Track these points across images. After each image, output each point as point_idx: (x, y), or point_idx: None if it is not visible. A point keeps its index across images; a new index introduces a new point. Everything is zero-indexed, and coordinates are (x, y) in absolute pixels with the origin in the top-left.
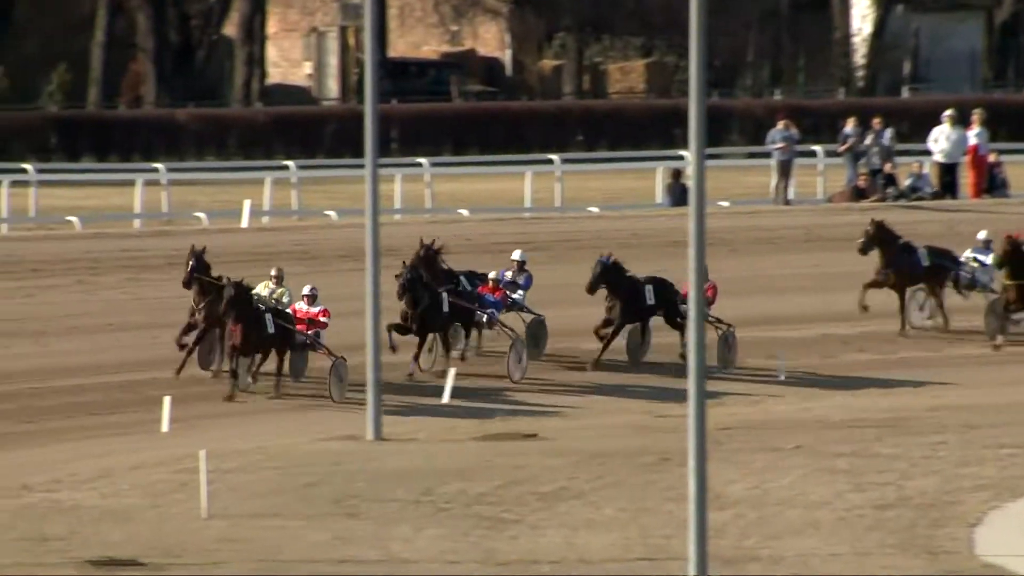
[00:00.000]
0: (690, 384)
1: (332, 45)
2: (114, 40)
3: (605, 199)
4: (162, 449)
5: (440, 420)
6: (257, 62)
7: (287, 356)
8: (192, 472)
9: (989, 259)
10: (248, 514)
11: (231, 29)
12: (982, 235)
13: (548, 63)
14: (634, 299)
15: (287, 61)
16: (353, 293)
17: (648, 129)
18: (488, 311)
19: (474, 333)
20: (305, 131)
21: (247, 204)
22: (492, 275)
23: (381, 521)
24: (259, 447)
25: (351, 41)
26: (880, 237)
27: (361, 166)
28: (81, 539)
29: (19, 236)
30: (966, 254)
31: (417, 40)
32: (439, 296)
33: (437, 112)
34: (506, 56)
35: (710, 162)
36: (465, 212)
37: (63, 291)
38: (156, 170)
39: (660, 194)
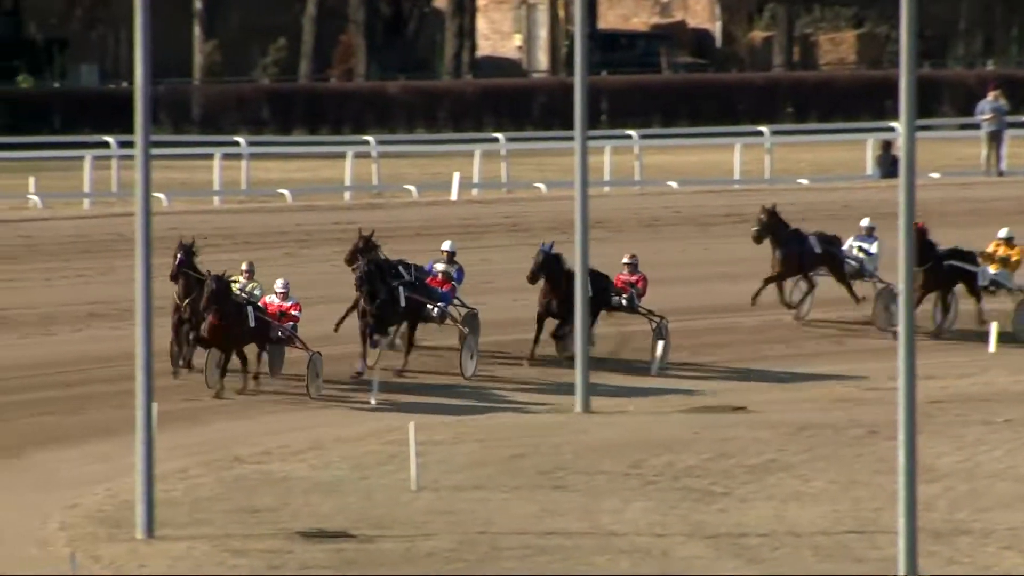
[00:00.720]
0: (900, 357)
1: (542, 17)
2: (325, 13)
3: (814, 171)
4: (371, 422)
5: (648, 393)
6: (467, 34)
7: (265, 350)
8: (400, 444)
9: (874, 247)
10: (456, 486)
11: (441, 1)
12: (865, 222)
13: (758, 34)
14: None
15: (497, 33)
16: None
17: (858, 100)
18: (439, 305)
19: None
20: (515, 103)
21: (456, 176)
22: (440, 267)
23: (589, 493)
24: (466, 420)
25: (561, 13)
26: (772, 225)
27: (570, 138)
28: (291, 511)
29: (231, 209)
30: (849, 242)
31: (627, 12)
32: (396, 290)
33: (646, 84)
34: (716, 27)
35: (921, 133)
36: (674, 184)
37: (274, 263)
38: (366, 142)
39: (870, 166)
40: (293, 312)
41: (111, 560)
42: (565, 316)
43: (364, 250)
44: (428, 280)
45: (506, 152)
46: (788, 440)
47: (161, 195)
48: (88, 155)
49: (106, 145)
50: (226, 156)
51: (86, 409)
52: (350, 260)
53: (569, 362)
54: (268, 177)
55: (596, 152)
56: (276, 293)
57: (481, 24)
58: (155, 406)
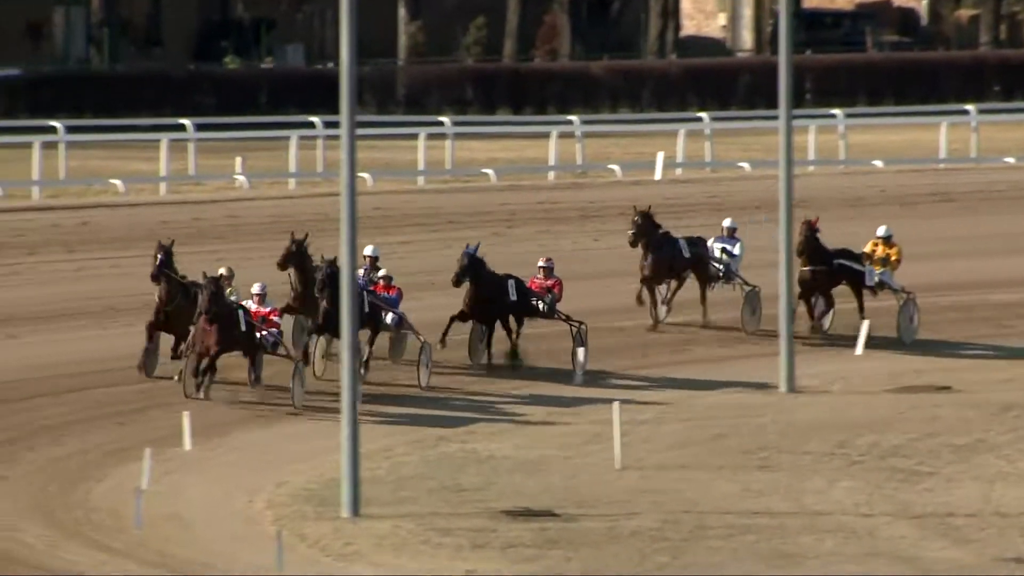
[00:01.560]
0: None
1: None
2: None
3: (1022, 150)
4: (575, 402)
5: (853, 373)
6: (671, 14)
7: (256, 357)
8: (604, 424)
9: (736, 249)
10: (659, 465)
11: None
12: (727, 223)
13: (964, 12)
14: (498, 295)
15: (701, 13)
16: (765, 244)
17: None
18: (396, 312)
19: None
20: (719, 83)
21: (660, 156)
22: (382, 272)
23: (793, 473)
24: (669, 399)
25: None
26: (646, 228)
27: (775, 117)
28: (496, 489)
29: (436, 188)
30: (711, 244)
31: None
32: (360, 295)
33: (851, 63)
34: (922, 6)
35: None
36: (879, 163)
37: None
38: (570, 122)
39: None
40: (274, 318)
41: (317, 538)
42: (488, 321)
43: (297, 254)
44: (374, 286)
45: (710, 131)
46: (994, 420)
47: (366, 175)
48: (294, 135)
49: (311, 125)
50: (430, 136)
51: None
52: (282, 265)
53: (484, 369)
54: (472, 157)
55: (800, 131)
56: (252, 297)
57: (685, 3)
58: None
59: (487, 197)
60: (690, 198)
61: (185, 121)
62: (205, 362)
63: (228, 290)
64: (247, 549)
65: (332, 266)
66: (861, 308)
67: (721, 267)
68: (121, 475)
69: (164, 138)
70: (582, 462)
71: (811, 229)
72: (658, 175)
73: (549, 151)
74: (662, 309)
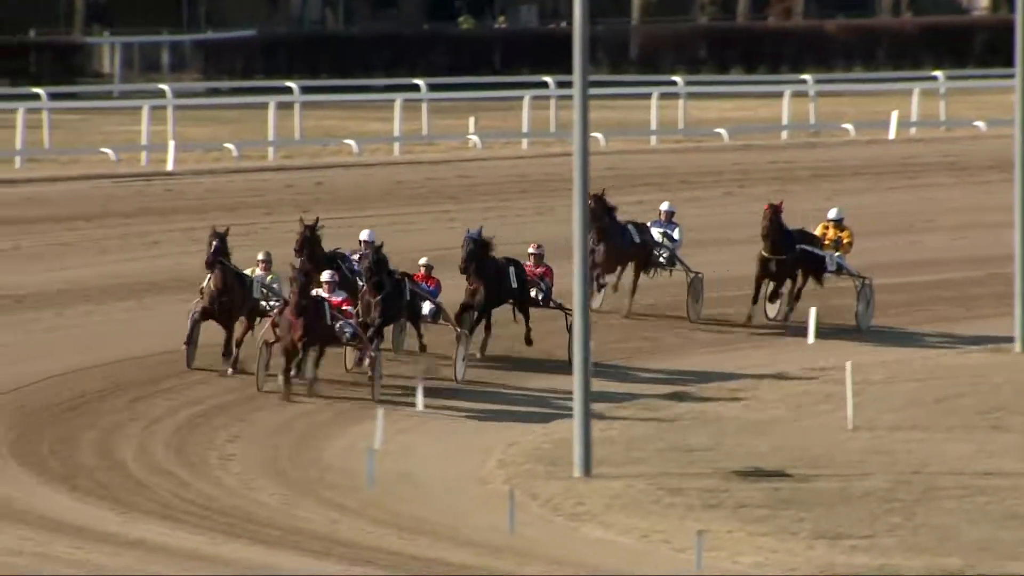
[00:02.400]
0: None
1: None
2: None
3: None
4: (804, 361)
5: None
6: None
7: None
8: (835, 384)
9: (676, 233)
10: (892, 426)
11: None
12: (665, 206)
13: None
14: (498, 282)
15: None
16: (999, 204)
17: None
18: (435, 302)
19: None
20: (954, 41)
21: (894, 115)
22: (424, 261)
23: None
24: (900, 359)
25: None
26: (598, 213)
27: (1011, 76)
28: (725, 449)
29: (668, 148)
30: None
31: None
32: (401, 283)
33: None
34: None
35: None
36: None
37: (710, 203)
38: (804, 82)
39: None
40: (346, 307)
41: (548, 498)
42: (487, 311)
43: (310, 241)
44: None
45: (944, 90)
46: None
47: (598, 135)
48: (527, 95)
49: (544, 85)
50: (663, 96)
51: (523, 349)
52: (298, 251)
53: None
54: (705, 116)
55: None
56: (324, 284)
57: None
58: (591, 345)
59: (719, 157)
60: (924, 157)
61: (419, 81)
62: (290, 357)
63: (271, 276)
64: (479, 509)
65: (378, 252)
66: (797, 296)
67: (664, 253)
68: (354, 435)
69: (398, 98)
70: (812, 423)
71: (776, 212)
72: (892, 134)
73: (782, 110)
74: (598, 297)
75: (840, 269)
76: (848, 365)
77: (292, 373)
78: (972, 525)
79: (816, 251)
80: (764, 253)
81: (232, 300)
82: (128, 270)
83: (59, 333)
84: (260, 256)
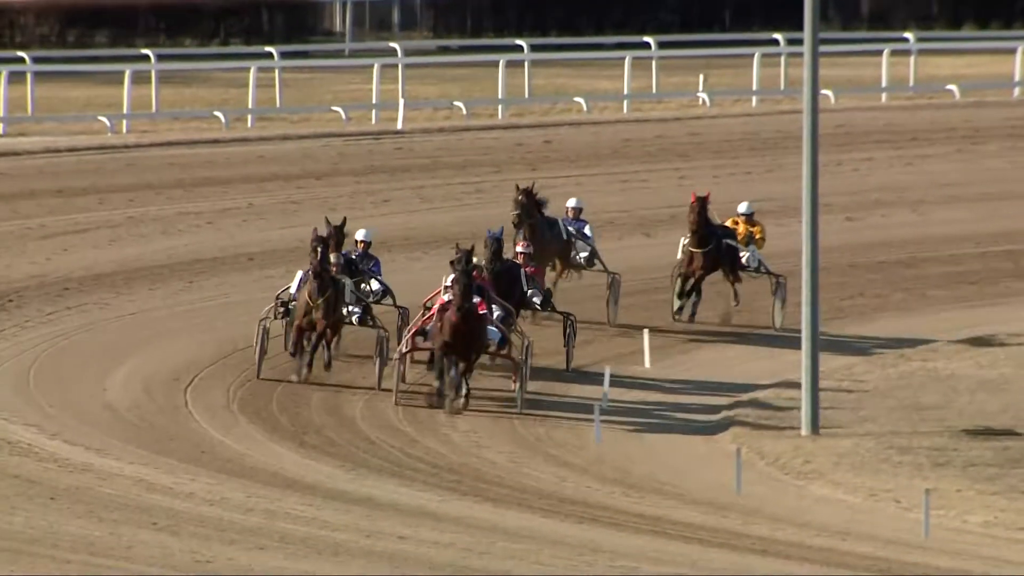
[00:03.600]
0: None
1: None
2: None
3: None
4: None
5: None
6: None
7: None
8: None
9: (587, 230)
10: None
11: None
12: (572, 202)
13: None
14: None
15: None
16: None
17: None
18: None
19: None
20: None
21: None
22: (521, 248)
23: None
24: None
25: None
26: (528, 208)
27: None
28: (956, 408)
29: (898, 105)
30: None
31: None
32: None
33: None
34: None
35: None
36: None
37: (942, 160)
38: None
39: None
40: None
41: (775, 456)
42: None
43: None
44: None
45: None
46: None
47: (828, 92)
48: (756, 52)
49: (775, 43)
50: (894, 53)
51: (753, 306)
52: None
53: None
54: (936, 73)
55: None
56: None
57: None
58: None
59: (950, 114)
60: None
61: (648, 39)
62: (462, 364)
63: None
64: (705, 467)
65: (498, 242)
66: (736, 292)
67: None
68: (580, 393)
69: (627, 56)
70: None
71: (703, 204)
72: None
73: (1015, 66)
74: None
75: (759, 266)
76: None
77: (451, 378)
78: None
79: (738, 246)
80: (690, 247)
81: (338, 314)
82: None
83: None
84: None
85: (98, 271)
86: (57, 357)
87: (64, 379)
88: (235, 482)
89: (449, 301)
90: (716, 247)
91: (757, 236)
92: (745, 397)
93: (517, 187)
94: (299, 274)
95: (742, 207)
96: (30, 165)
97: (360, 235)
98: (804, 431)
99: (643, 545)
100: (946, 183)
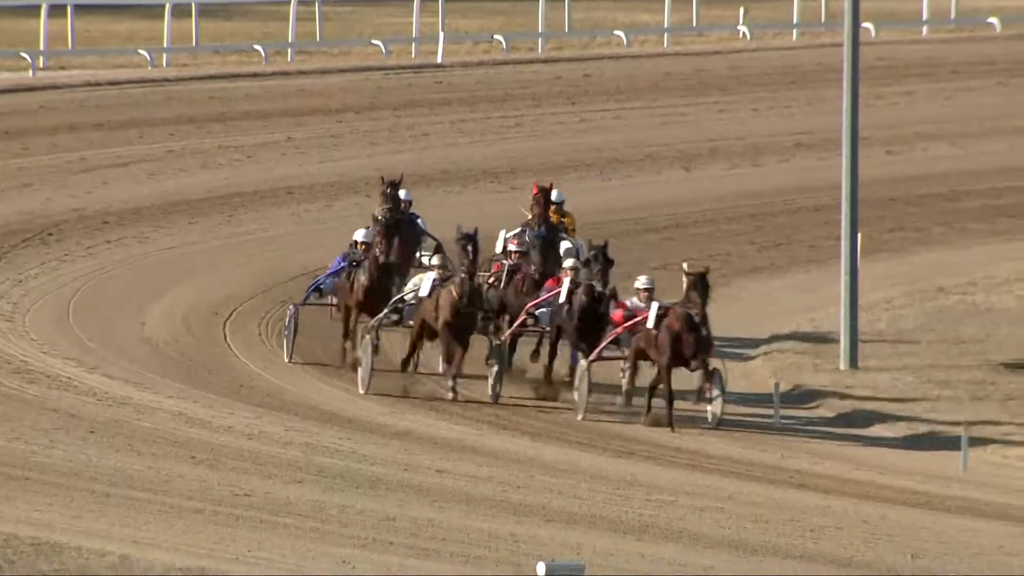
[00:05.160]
0: None
1: None
2: None
3: None
4: None
5: None
6: None
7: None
8: None
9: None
10: None
11: None
12: (402, 193)
13: None
14: None
15: None
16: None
17: None
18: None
19: None
20: None
21: None
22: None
23: None
24: None
25: None
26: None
27: None
28: (995, 341)
29: (939, 38)
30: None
31: None
32: None
33: None
34: None
35: None
36: None
37: (982, 93)
38: None
39: None
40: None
41: (813, 390)
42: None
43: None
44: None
45: None
46: None
47: (869, 25)
48: None
49: None
50: None
51: (792, 239)
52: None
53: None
54: (978, 6)
55: None
56: (639, 292)
57: None
58: (859, 236)
59: (991, 47)
60: None
61: None
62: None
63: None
64: (743, 400)
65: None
66: None
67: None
68: None
69: None
70: None
71: (547, 194)
72: None
73: None
74: None
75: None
76: None
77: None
78: None
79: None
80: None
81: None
82: (397, 161)
83: (329, 224)
84: (435, 260)
85: (137, 204)
86: (97, 291)
87: (103, 313)
88: (273, 416)
89: (666, 309)
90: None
91: (569, 228)
92: (785, 331)
93: (383, 179)
94: (429, 279)
95: (552, 196)
96: (71, 99)
97: (359, 236)
98: (843, 366)
99: (681, 479)
100: (986, 116)
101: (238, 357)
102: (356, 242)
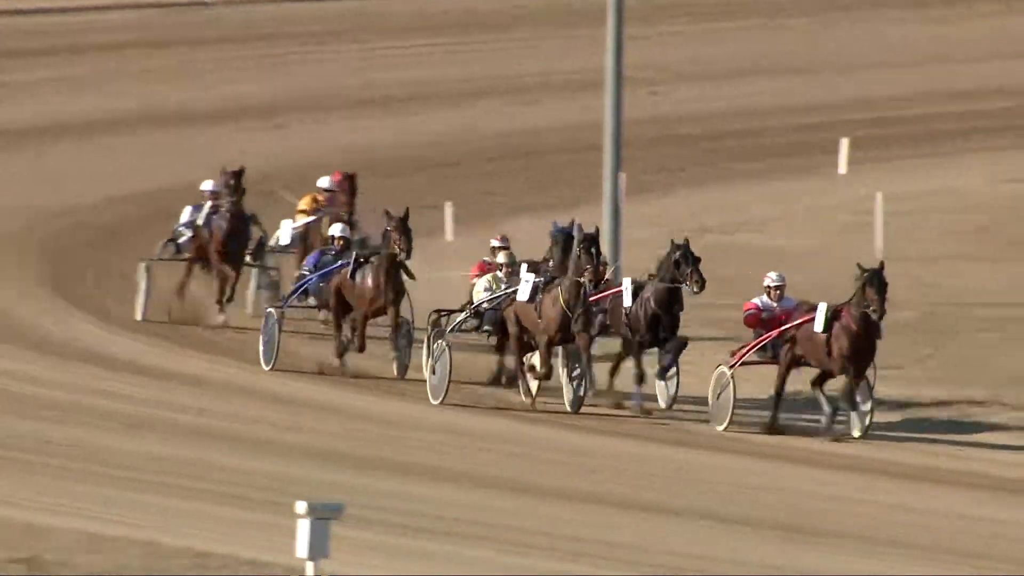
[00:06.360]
0: None
1: None
2: None
3: None
4: (842, 191)
5: None
6: None
7: None
8: (870, 215)
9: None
10: (922, 256)
11: None
12: (207, 185)
13: None
14: None
15: None
16: None
17: None
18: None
19: None
20: None
21: None
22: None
23: None
24: (934, 190)
25: None
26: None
27: None
28: (755, 279)
29: None
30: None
31: None
32: None
33: None
34: None
35: None
36: None
37: (748, 34)
38: None
39: None
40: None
41: None
42: None
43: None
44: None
45: None
46: None
47: None
48: None
49: None
50: None
51: (560, 179)
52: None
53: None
54: None
55: None
56: (769, 289)
57: None
58: (623, 176)
59: None
60: None
61: None
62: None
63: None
64: None
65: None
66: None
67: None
68: None
69: None
70: (843, 253)
71: (352, 183)
72: None
73: None
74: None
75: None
76: (878, 196)
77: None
78: (1002, 356)
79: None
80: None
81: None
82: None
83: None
84: (501, 259)
85: None
86: None
87: None
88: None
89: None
90: None
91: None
92: None
93: (224, 168)
94: (528, 281)
95: (323, 182)
96: None
97: (336, 230)
98: None
99: (452, 419)
100: (749, 57)
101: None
102: (333, 237)
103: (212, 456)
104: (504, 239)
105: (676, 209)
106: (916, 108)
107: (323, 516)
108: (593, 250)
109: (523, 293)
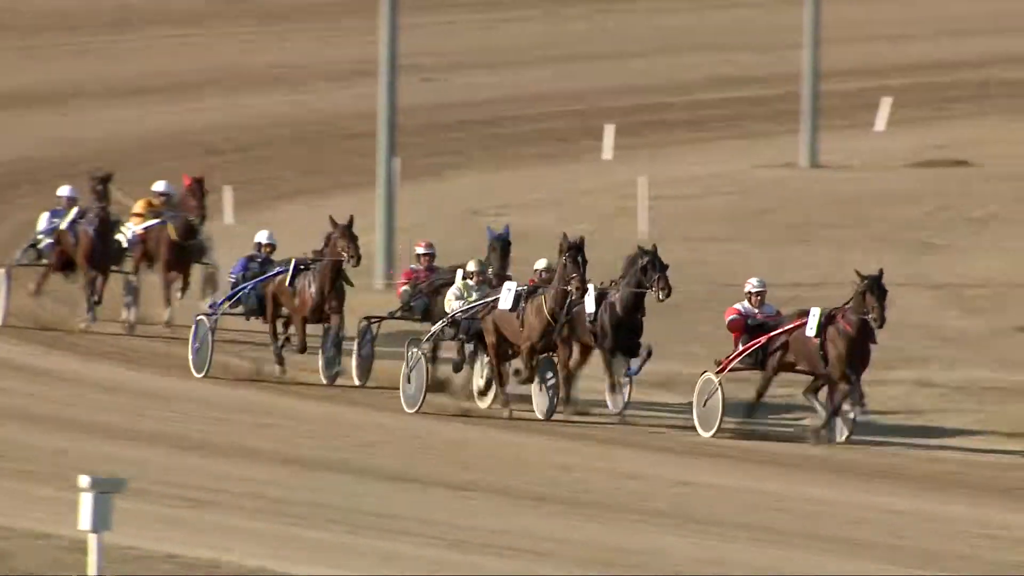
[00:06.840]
0: None
1: None
2: None
3: None
4: (606, 176)
5: (874, 147)
6: None
7: None
8: (634, 199)
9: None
10: (685, 236)
11: None
12: (66, 191)
13: None
14: None
15: None
16: None
17: None
18: None
19: None
20: None
21: None
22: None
23: (832, 246)
24: (696, 176)
25: None
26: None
27: None
28: (529, 263)
29: None
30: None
31: None
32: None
33: None
34: None
35: None
36: None
37: (525, 23)
38: None
39: None
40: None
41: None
42: None
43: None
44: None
45: None
46: (1010, 194)
47: None
48: None
49: None
50: None
51: (336, 165)
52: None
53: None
54: None
55: None
56: (750, 296)
57: None
58: (397, 161)
59: None
60: None
61: None
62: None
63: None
64: None
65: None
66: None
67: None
68: None
69: None
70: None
71: (202, 186)
72: None
73: None
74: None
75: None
76: (641, 181)
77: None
78: None
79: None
80: (173, 236)
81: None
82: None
83: None
84: (471, 266)
85: None
86: None
87: None
88: None
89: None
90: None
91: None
92: None
93: (92, 174)
94: (510, 290)
95: (159, 186)
96: None
97: (263, 237)
98: (379, 285)
99: (245, 396)
100: (529, 45)
101: None
102: (260, 244)
103: (4, 432)
104: (429, 245)
105: (450, 193)
106: (683, 95)
107: (106, 490)
108: (579, 258)
109: (505, 301)
